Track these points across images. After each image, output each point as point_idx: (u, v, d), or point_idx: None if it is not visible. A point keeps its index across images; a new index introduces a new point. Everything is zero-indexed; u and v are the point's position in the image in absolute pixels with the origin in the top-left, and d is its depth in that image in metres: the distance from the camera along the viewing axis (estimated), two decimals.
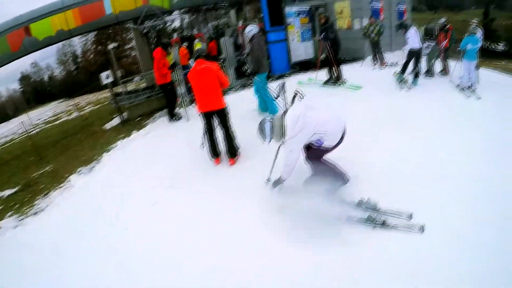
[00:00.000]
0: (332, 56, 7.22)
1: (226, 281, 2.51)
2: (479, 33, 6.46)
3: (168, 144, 5.53)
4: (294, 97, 3.44)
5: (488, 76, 7.06)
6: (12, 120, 27.32)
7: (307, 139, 2.94)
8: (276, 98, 3.86)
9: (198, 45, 6.99)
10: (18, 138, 15.47)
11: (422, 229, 2.63)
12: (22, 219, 4.53)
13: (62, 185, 5.18)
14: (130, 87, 9.40)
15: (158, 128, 6.73)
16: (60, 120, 16.40)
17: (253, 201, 3.39)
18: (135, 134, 6.60)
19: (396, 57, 9.37)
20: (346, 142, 3.04)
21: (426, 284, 2.20)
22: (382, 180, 3.36)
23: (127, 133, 6.84)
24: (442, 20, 7.91)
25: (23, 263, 3.35)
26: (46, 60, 38.42)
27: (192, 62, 5.53)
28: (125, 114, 8.37)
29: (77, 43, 36.43)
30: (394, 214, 2.83)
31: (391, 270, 2.34)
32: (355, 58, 10.42)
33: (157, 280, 2.67)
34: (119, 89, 8.91)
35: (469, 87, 6.28)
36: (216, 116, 4.14)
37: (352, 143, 3.29)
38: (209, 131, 4.22)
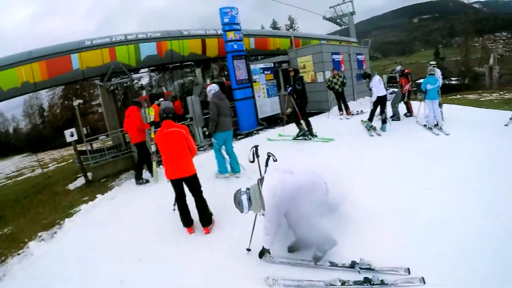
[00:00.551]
0: (298, 109, 7.13)
1: None
2: (438, 73, 6.98)
3: (136, 210, 5.05)
4: (267, 160, 3.33)
5: (450, 111, 7.55)
6: None
7: (286, 207, 2.84)
8: (251, 162, 3.66)
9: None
10: None
11: (422, 280, 2.54)
12: None
13: (21, 251, 4.69)
14: (95, 145, 8.98)
15: (125, 191, 6.26)
16: (23, 177, 15.27)
17: (235, 274, 3.02)
18: (100, 198, 6.12)
19: (360, 105, 9.88)
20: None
21: None
22: (370, 235, 3.19)
23: (91, 196, 6.41)
24: (399, 67, 8.59)
25: None
26: (12, 111, 37.11)
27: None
28: (89, 174, 7.94)
29: (44, 96, 35.77)
30: (391, 270, 2.71)
31: None
32: (321, 110, 10.89)
33: None
34: (84, 147, 8.51)
35: (436, 125, 6.62)
36: (186, 183, 3.86)
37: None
38: (180, 199, 3.89)
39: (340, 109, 9.76)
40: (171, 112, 3.92)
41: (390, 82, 8.73)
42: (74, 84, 17.47)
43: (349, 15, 21.46)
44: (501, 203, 3.46)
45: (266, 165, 3.30)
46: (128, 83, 12.05)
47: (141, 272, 3.36)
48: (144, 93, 11.34)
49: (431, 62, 7.86)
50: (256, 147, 3.65)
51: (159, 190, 5.63)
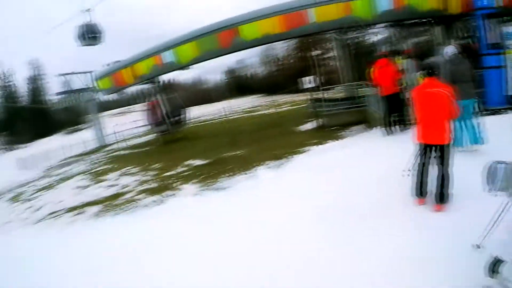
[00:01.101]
0: None
1: None
2: None
3: (366, 165, 4.59)
4: None
5: None
6: (214, 103, 31.11)
7: None
8: None
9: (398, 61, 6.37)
10: (217, 120, 18.75)
11: None
12: (203, 190, 5.13)
13: (248, 172, 5.46)
14: (327, 95, 9.69)
15: (357, 143, 6.03)
16: (258, 113, 18.33)
17: (449, 273, 2.30)
18: (330, 144, 6.34)
19: None
20: None
21: None
22: None
23: (321, 140, 6.72)
24: None
25: None
26: (250, 59, 43.79)
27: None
28: (321, 121, 8.48)
29: (279, 48, 39.37)
30: None
31: None
32: None
33: None
34: (318, 95, 9.22)
35: None
36: (436, 151, 3.41)
37: None
38: (423, 165, 3.49)
39: None
40: (437, 69, 3.45)
41: None
42: (308, 37, 18.95)
43: None
44: None
45: None
46: (364, 37, 11.85)
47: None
48: (383, 48, 10.91)
49: None
50: None
51: (394, 149, 4.77)
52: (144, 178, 6.93)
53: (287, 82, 27.11)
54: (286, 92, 24.58)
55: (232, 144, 8.14)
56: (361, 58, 11.67)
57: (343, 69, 10.01)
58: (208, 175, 5.89)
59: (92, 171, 9.88)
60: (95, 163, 11.91)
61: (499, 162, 2.21)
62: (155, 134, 14.07)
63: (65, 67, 21.61)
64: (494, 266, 2.11)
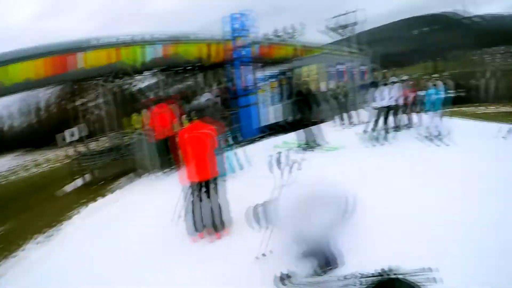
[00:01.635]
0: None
1: None
2: (440, 85, 7.14)
3: (141, 216, 4.88)
4: (290, 168, 3.31)
5: (450, 123, 7.48)
6: None
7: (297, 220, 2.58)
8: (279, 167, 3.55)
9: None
10: None
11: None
12: None
13: (15, 254, 4.57)
14: (92, 147, 9.03)
15: (129, 195, 6.18)
16: (16, 176, 15.01)
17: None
18: (101, 201, 6.13)
19: (361, 116, 10.00)
20: None
21: None
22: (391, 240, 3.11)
23: (90, 199, 6.36)
24: (405, 77, 8.72)
25: None
26: (8, 108, 36.30)
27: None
28: (88, 176, 7.89)
29: (42, 95, 35.17)
30: (419, 272, 2.45)
31: None
32: (322, 119, 10.97)
33: None
34: (82, 148, 8.54)
35: (437, 135, 6.78)
36: (206, 185, 3.76)
37: None
38: (193, 203, 3.80)
39: (342, 118, 9.94)
40: (204, 111, 3.88)
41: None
42: (74, 84, 17.32)
43: (352, 26, 21.66)
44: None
45: (290, 174, 3.22)
46: (131, 84, 12.07)
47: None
48: (151, 95, 11.47)
49: (434, 76, 8.05)
50: (279, 154, 3.50)
51: (166, 194, 5.17)
52: None
53: (50, 135, 24.31)
54: (49, 148, 21.71)
55: None
56: (128, 105, 11.97)
57: (110, 117, 10.04)
58: None
59: None
60: None
61: (259, 205, 2.62)
62: None
63: None
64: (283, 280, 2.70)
